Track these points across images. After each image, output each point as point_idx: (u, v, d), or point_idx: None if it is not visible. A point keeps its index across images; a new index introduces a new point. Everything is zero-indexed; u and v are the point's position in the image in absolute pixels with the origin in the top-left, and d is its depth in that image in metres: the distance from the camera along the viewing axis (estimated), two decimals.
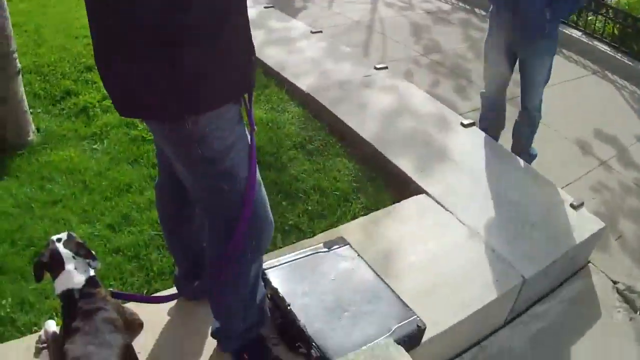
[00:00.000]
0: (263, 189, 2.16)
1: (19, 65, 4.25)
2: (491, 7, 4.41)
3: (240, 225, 2.04)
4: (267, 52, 5.77)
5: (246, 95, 2.04)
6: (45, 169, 3.97)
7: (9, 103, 4.18)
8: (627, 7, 7.57)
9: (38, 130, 4.49)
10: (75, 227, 3.36)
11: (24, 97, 4.35)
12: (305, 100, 5.00)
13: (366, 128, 4.47)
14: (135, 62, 1.71)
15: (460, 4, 9.05)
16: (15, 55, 4.21)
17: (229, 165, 1.99)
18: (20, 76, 4.32)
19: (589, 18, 7.73)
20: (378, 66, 5.70)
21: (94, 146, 4.31)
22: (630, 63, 7.19)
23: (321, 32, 6.55)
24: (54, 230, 3.30)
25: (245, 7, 1.87)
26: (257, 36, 5.74)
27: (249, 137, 2.07)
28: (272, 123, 4.59)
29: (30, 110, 4.53)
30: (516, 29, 4.17)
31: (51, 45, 6.40)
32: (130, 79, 1.76)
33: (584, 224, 3.73)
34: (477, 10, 8.75)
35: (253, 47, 1.95)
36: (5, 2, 4.16)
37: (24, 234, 3.32)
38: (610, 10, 7.54)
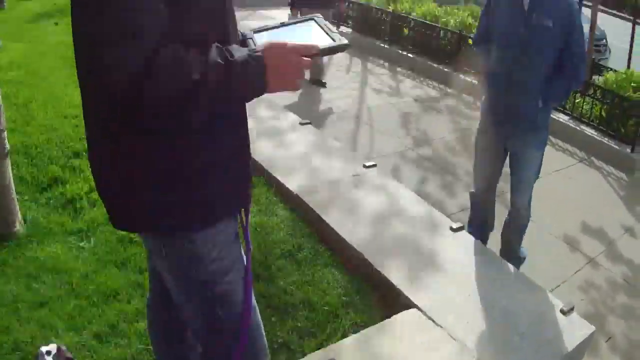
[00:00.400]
0: (258, 314, 2.18)
1: (8, 146, 4.27)
2: (482, 98, 4.54)
3: (235, 355, 2.02)
4: (256, 145, 5.83)
5: (243, 210, 2.05)
6: (32, 266, 3.97)
7: None
8: (614, 85, 7.81)
9: (25, 220, 4.49)
10: (62, 334, 3.36)
11: (12, 182, 4.37)
12: (294, 202, 5.06)
13: (355, 234, 4.53)
14: (132, 165, 1.75)
15: (448, 89, 9.22)
16: (4, 134, 4.23)
17: (224, 288, 1.99)
18: (9, 158, 4.32)
19: (577, 101, 7.95)
20: (367, 164, 5.79)
21: (81, 244, 4.32)
22: (617, 147, 7.41)
23: (310, 123, 6.66)
24: (41, 335, 3.30)
25: (245, 120, 1.95)
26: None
27: (244, 257, 2.07)
28: (261, 228, 4.65)
29: (17, 196, 4.53)
30: (508, 121, 4.29)
31: (40, 124, 6.50)
32: (126, 193, 1.79)
33: (574, 330, 3.78)
34: (464, 95, 8.95)
35: (249, 160, 2.01)
36: None
37: (10, 337, 3.30)
38: (598, 91, 7.78)
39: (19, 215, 4.39)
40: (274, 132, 6.30)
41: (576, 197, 6.33)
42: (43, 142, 5.98)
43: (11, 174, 4.35)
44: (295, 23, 1.97)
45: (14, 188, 4.38)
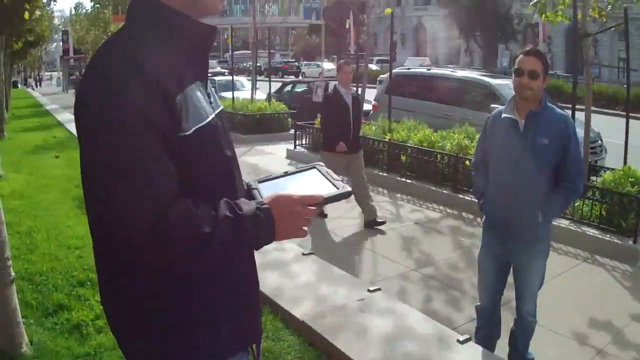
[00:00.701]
0: None
1: (12, 273, 4.35)
2: (483, 217, 4.64)
3: None
4: (260, 276, 5.87)
5: (254, 346, 2.08)
6: None
7: (1, 311, 4.21)
8: (612, 184, 7.92)
9: (31, 342, 4.52)
10: None
11: (17, 306, 4.46)
12: (300, 329, 5.10)
13: (364, 356, 4.53)
14: (143, 305, 1.80)
15: (448, 209, 9.35)
16: (10, 262, 4.32)
17: None
18: (14, 285, 4.38)
19: (576, 204, 8.03)
20: (371, 288, 5.83)
21: None
22: (618, 242, 7.46)
23: (313, 253, 6.76)
24: None
25: (252, 258, 2.03)
26: None
27: None
28: (268, 352, 4.66)
29: (23, 319, 4.57)
30: (509, 238, 4.38)
31: (43, 253, 6.61)
32: (135, 335, 1.84)
33: None
34: (464, 214, 9.07)
35: (259, 296, 2.09)
36: (1, 207, 4.29)
37: None
38: (597, 192, 7.91)
39: (26, 338, 4.42)
40: (278, 264, 6.41)
41: (581, 295, 6.33)
42: (47, 270, 6.09)
43: (17, 299, 4.41)
44: (298, 172, 2.05)
45: (19, 312, 4.42)
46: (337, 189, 1.86)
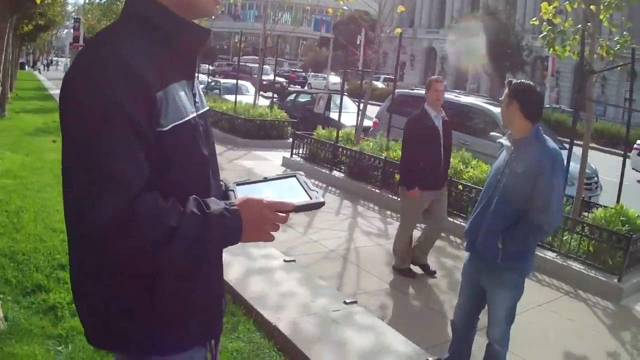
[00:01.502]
0: None
1: None
2: None
3: None
4: (239, 280, 5.98)
5: (213, 342, 2.14)
6: None
7: None
8: (603, 221, 7.95)
9: (6, 318, 4.58)
10: None
11: None
12: (272, 333, 5.18)
13: None
14: (111, 295, 1.83)
15: None
16: None
17: None
18: None
19: (564, 238, 8.08)
20: (348, 301, 5.89)
21: (59, 348, 4.40)
22: (603, 278, 7.48)
23: (294, 260, 6.82)
24: None
25: (220, 253, 2.07)
26: (230, 263, 6.02)
27: None
28: (237, 353, 4.74)
29: (0, 295, 4.62)
30: (477, 258, 4.50)
31: (28, 233, 6.66)
32: (104, 310, 1.86)
33: None
34: (452, 237, 9.12)
35: (223, 291, 2.14)
36: None
37: None
38: (587, 228, 7.95)
39: (1, 313, 4.47)
40: (259, 268, 6.46)
41: (560, 328, 6.32)
42: (30, 250, 6.14)
43: None
44: (277, 179, 2.09)
45: None
46: (310, 199, 1.91)
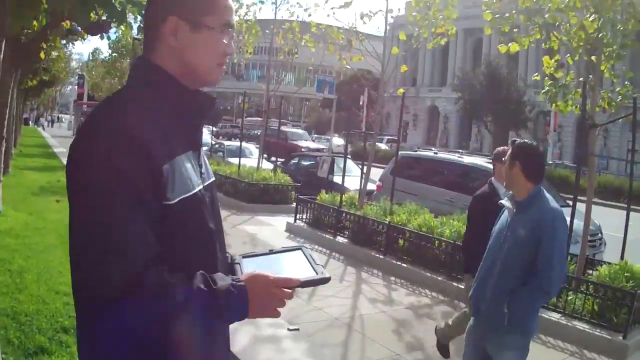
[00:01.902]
0: None
1: None
2: None
3: None
4: (241, 347, 5.90)
5: None
6: None
7: None
8: (607, 279, 7.89)
9: None
10: None
11: None
12: None
13: None
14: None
15: (441, 296, 9.31)
16: None
17: None
18: None
19: (569, 298, 8.01)
20: None
21: None
22: (608, 337, 7.41)
23: (298, 329, 6.77)
24: None
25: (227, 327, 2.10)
26: (234, 331, 5.89)
27: None
28: None
29: (2, 355, 4.60)
30: (482, 321, 4.47)
31: (31, 294, 6.64)
32: None
33: None
34: (457, 302, 8.98)
35: None
36: None
37: None
38: (590, 286, 7.88)
39: None
40: (261, 337, 6.41)
41: None
42: (33, 312, 6.11)
43: None
44: (283, 252, 2.09)
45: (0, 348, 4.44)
46: (316, 274, 1.93)
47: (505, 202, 4.48)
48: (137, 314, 1.65)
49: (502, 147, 6.45)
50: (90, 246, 1.68)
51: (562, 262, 4.27)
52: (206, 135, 24.13)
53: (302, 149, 33.36)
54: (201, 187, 1.94)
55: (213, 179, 2.14)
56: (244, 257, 2.11)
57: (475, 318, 4.59)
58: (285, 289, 1.84)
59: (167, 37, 1.91)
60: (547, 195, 4.37)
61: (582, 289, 8.02)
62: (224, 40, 1.96)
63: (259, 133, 33.12)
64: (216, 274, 1.83)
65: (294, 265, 2.00)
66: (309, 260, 2.00)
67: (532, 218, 4.21)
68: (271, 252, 2.11)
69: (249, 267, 2.00)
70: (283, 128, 46.04)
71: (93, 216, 1.67)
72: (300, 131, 36.71)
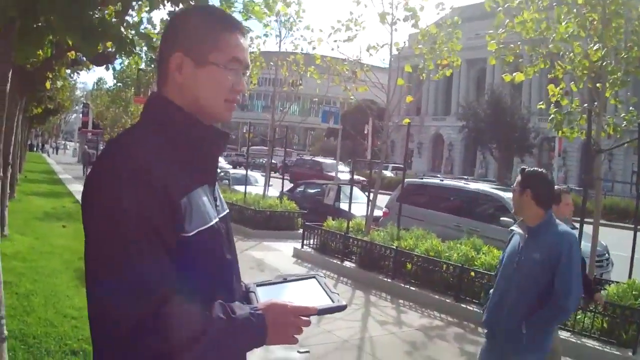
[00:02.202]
0: None
1: (5, 332, 4.35)
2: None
3: None
4: None
5: None
6: None
7: None
8: (616, 297, 7.94)
9: None
10: None
11: None
12: None
13: None
14: None
15: (449, 318, 9.26)
16: (4, 321, 4.33)
17: None
18: (5, 343, 4.38)
19: (578, 317, 8.02)
20: None
21: None
22: (618, 353, 7.48)
23: (308, 352, 6.73)
24: None
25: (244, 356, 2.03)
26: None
27: None
28: None
29: None
30: (499, 342, 4.46)
31: (39, 317, 6.63)
32: None
33: None
34: (465, 323, 9.02)
35: None
36: (0, 267, 4.32)
37: None
38: (599, 306, 7.82)
39: None
40: None
41: None
42: (41, 334, 6.10)
43: (7, 358, 4.39)
44: (297, 280, 2.09)
45: None
46: (332, 302, 1.92)
47: (515, 228, 4.53)
48: (155, 344, 1.64)
49: (563, 187, 6.82)
50: (106, 280, 1.67)
51: (578, 282, 4.28)
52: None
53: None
54: (217, 219, 1.94)
55: (227, 210, 2.14)
56: (258, 285, 2.10)
57: (490, 342, 4.59)
58: (303, 317, 1.84)
59: (173, 72, 1.92)
60: (556, 219, 4.43)
61: (591, 308, 8.03)
62: (230, 77, 1.93)
63: (264, 162, 33.23)
64: (234, 303, 1.84)
65: (309, 294, 1.99)
66: (324, 288, 2.00)
67: (547, 242, 4.26)
68: (285, 280, 2.11)
69: (264, 295, 2.00)
70: (317, 158, 45.75)
71: (108, 251, 1.67)
72: (333, 161, 36.58)
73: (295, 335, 1.85)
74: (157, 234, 1.69)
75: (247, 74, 2.05)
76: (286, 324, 1.82)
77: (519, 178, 4.46)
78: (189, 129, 1.90)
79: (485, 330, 4.70)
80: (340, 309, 1.90)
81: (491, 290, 4.73)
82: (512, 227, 4.62)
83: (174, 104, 1.91)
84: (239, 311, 1.77)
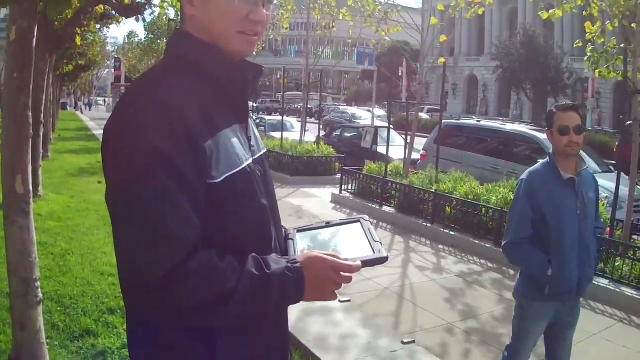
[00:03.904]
0: None
1: (40, 295, 4.36)
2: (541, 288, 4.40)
3: None
4: (298, 326, 5.92)
5: None
6: None
7: (26, 330, 4.22)
8: None
9: None
10: None
11: (42, 327, 4.45)
12: None
13: None
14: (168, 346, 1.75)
15: (489, 263, 9.21)
16: (38, 284, 4.34)
17: None
18: (41, 306, 4.39)
19: (617, 264, 7.94)
20: (405, 340, 5.75)
21: None
22: None
23: (349, 301, 6.69)
24: None
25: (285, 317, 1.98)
26: None
27: None
28: None
29: (47, 340, 4.58)
30: (570, 299, 4.28)
31: (75, 277, 6.66)
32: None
33: None
34: (504, 269, 8.94)
35: (288, 346, 2.01)
36: (33, 228, 4.31)
37: None
38: (638, 252, 7.79)
39: (48, 358, 4.42)
40: (312, 309, 6.33)
41: (615, 357, 6.17)
42: (78, 294, 6.12)
43: (42, 320, 4.41)
44: (340, 224, 2.00)
45: (44, 333, 4.42)
46: (374, 252, 1.83)
47: (566, 173, 4.16)
48: (183, 300, 1.57)
49: None
50: (128, 230, 1.59)
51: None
52: None
53: None
54: (250, 161, 1.83)
55: (264, 150, 2.02)
56: (299, 231, 2.01)
57: (557, 302, 4.24)
58: (344, 274, 1.75)
59: (186, 4, 1.81)
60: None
61: (629, 255, 7.90)
62: (241, 5, 1.77)
63: (299, 107, 33.16)
64: (270, 256, 1.74)
65: (350, 241, 1.91)
66: (367, 235, 1.90)
67: (592, 181, 4.29)
68: (328, 224, 2.02)
69: (304, 242, 1.92)
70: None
71: (128, 200, 1.59)
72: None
73: (334, 294, 1.77)
74: (180, 179, 1.59)
75: (272, 2, 1.91)
76: (325, 280, 1.73)
77: (578, 117, 4.15)
78: (210, 62, 1.79)
79: (553, 297, 4.23)
80: (382, 261, 1.81)
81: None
82: (562, 174, 4.13)
83: (193, 37, 1.80)
84: (274, 265, 1.68)
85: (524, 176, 4.26)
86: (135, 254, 1.57)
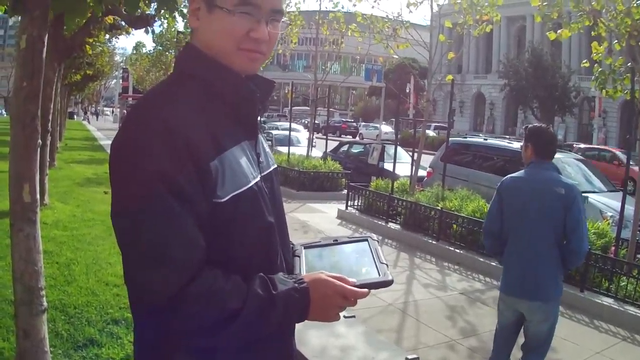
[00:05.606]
0: None
1: (45, 304, 4.36)
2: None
3: None
4: (301, 339, 5.84)
5: None
6: None
7: (30, 338, 4.23)
8: None
9: None
10: None
11: (46, 336, 4.44)
12: None
13: None
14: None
15: (494, 281, 9.15)
16: (43, 292, 4.34)
17: None
18: (45, 315, 4.39)
19: (621, 283, 7.95)
20: (409, 357, 5.73)
21: None
22: None
23: (354, 316, 6.69)
24: None
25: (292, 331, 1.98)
26: None
27: None
28: None
29: (51, 349, 4.58)
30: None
31: (80, 286, 6.66)
32: None
33: None
34: None
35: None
36: (39, 237, 4.32)
37: None
38: None
39: None
40: (317, 324, 6.27)
41: None
42: (82, 303, 6.12)
43: (46, 329, 4.41)
44: (348, 242, 1.99)
45: (47, 341, 4.43)
46: (379, 275, 1.83)
47: None
48: (187, 321, 1.58)
49: None
50: (132, 252, 1.61)
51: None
52: None
53: None
54: (258, 178, 1.81)
55: (274, 166, 2.01)
56: (306, 247, 2.00)
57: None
58: (350, 299, 1.75)
59: (191, 18, 1.81)
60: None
61: (634, 274, 7.92)
62: (240, 22, 1.75)
63: (306, 122, 33.17)
64: (277, 275, 1.74)
65: (356, 261, 1.90)
66: (373, 255, 1.90)
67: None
68: (335, 241, 2.00)
69: (310, 260, 1.92)
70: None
71: (131, 220, 1.59)
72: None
73: (337, 316, 1.77)
74: (184, 200, 1.58)
75: (280, 20, 1.85)
76: (330, 304, 1.74)
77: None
78: (218, 79, 1.78)
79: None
80: (387, 284, 1.81)
81: None
82: None
83: (202, 52, 1.79)
84: (280, 286, 1.68)
85: None
86: (139, 275, 1.59)
